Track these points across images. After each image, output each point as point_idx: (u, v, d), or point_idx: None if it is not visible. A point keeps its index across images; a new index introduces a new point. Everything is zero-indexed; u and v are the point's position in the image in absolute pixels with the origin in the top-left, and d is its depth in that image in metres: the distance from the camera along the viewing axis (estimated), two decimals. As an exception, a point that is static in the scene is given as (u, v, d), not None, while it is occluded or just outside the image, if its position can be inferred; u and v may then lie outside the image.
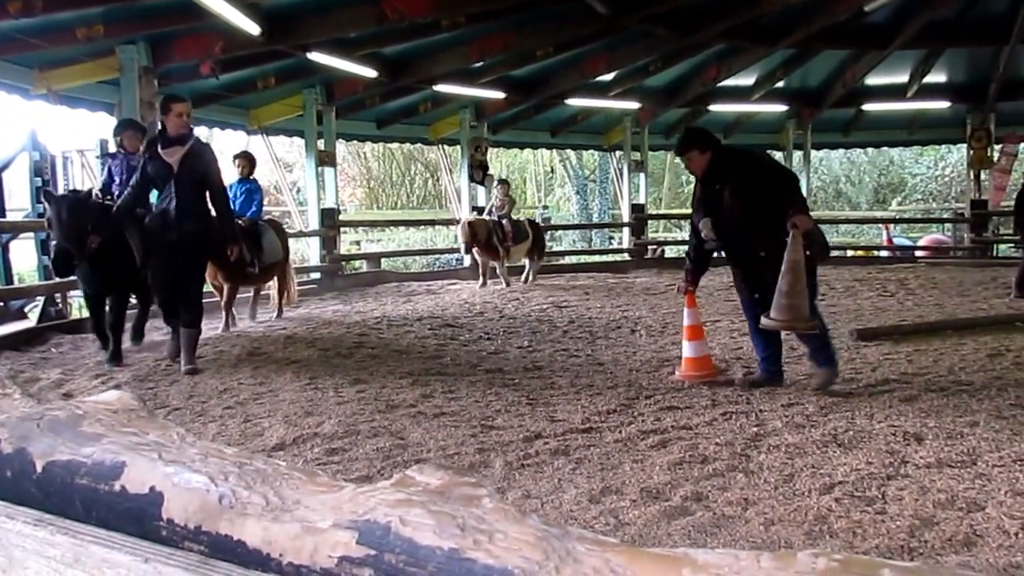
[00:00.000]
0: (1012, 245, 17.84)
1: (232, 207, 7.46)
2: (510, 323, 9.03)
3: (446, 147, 17.46)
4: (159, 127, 6.70)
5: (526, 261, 13.74)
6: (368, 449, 4.33)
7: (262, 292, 9.75)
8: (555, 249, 22.08)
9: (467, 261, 14.92)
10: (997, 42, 13.85)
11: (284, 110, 13.44)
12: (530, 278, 13.56)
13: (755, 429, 4.59)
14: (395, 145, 24.52)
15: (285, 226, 11.26)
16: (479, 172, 16.05)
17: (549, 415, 5.04)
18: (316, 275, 13.34)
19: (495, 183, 14.87)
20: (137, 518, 1.01)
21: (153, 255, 6.68)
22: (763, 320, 5.26)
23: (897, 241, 19.65)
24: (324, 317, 9.86)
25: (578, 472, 3.92)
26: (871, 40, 14.09)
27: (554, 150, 23.33)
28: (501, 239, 12.84)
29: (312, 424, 4.83)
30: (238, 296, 8.99)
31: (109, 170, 7.60)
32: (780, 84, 16.13)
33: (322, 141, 13.56)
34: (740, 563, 0.74)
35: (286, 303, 9.84)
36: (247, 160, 9.21)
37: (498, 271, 13.09)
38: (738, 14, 12.49)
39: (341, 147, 19.58)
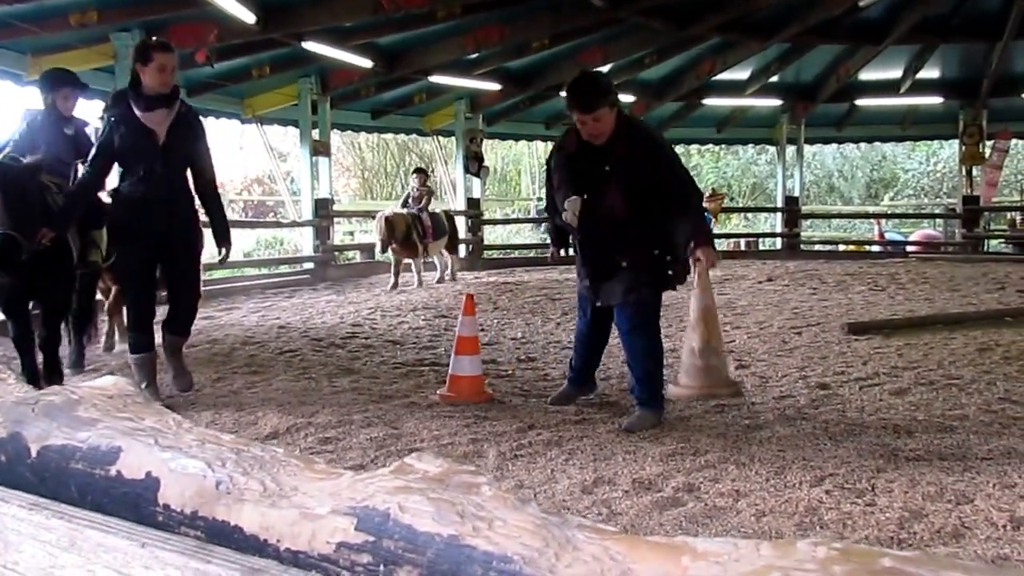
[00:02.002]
0: (1003, 241, 17.92)
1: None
2: (503, 314, 9.03)
3: (441, 138, 17.42)
4: (128, 83, 5.09)
5: (437, 258, 12.73)
6: (362, 439, 4.33)
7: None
8: (548, 242, 22.10)
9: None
10: (990, 38, 13.88)
11: (279, 99, 13.39)
12: (449, 276, 12.77)
13: (747, 421, 4.60)
14: (389, 136, 24.44)
15: (279, 216, 11.33)
16: (474, 164, 16.03)
17: (542, 406, 5.04)
18: (309, 265, 13.31)
19: (412, 172, 13.70)
20: (133, 503, 1.01)
21: (128, 253, 5.16)
22: (672, 388, 4.14)
23: (889, 236, 19.69)
24: (318, 307, 9.84)
25: (571, 462, 3.93)
26: (865, 35, 14.11)
27: (549, 142, 23.29)
28: (421, 235, 11.72)
29: (306, 413, 4.82)
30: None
31: (23, 136, 5.85)
32: (774, 79, 16.14)
33: (317, 131, 13.52)
34: (739, 551, 0.74)
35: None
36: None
37: (413, 268, 11.99)
38: (734, 8, 12.49)
39: (336, 137, 19.53)
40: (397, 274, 11.76)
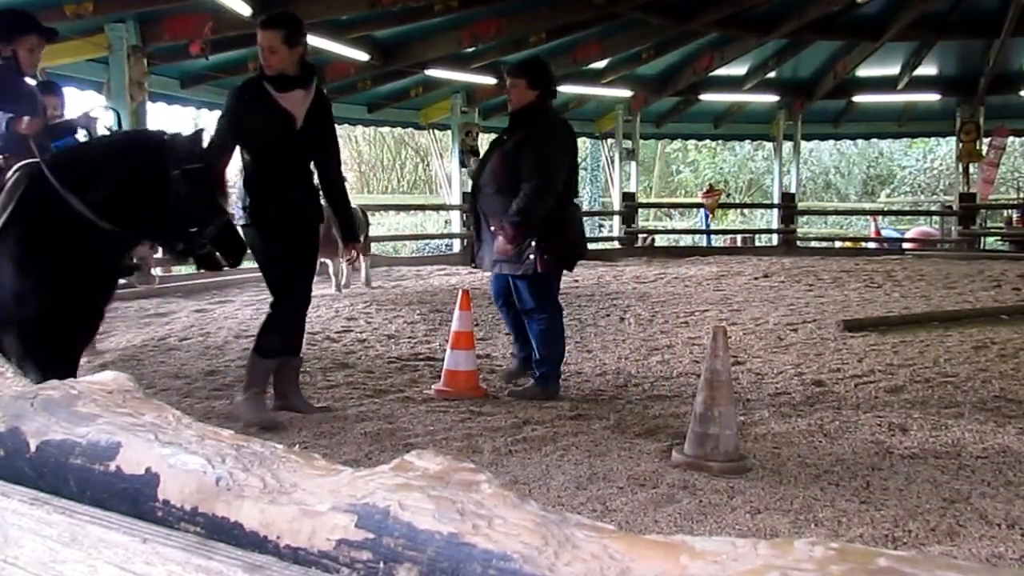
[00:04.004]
0: (999, 238, 17.96)
1: None
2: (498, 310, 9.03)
3: (437, 132, 17.40)
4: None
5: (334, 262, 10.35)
6: (356, 433, 4.33)
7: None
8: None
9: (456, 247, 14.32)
10: (988, 35, 13.91)
11: (274, 92, 13.34)
12: (364, 282, 11.06)
13: (742, 418, 4.61)
14: (386, 129, 24.42)
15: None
16: (470, 158, 16.00)
17: (538, 402, 5.05)
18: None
19: None
20: (132, 499, 1.01)
21: (281, 252, 4.56)
22: (675, 455, 3.88)
23: (885, 233, 19.72)
24: (312, 300, 9.80)
25: (566, 458, 3.93)
26: (863, 32, 14.12)
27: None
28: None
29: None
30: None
31: None
32: (772, 75, 16.14)
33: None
34: (738, 550, 0.74)
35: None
36: None
37: (330, 271, 10.31)
38: (732, 3, 12.49)
39: (331, 130, 19.48)
40: (337, 273, 10.38)
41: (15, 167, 3.81)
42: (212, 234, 3.88)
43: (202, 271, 4.25)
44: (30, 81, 4.43)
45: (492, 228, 5.00)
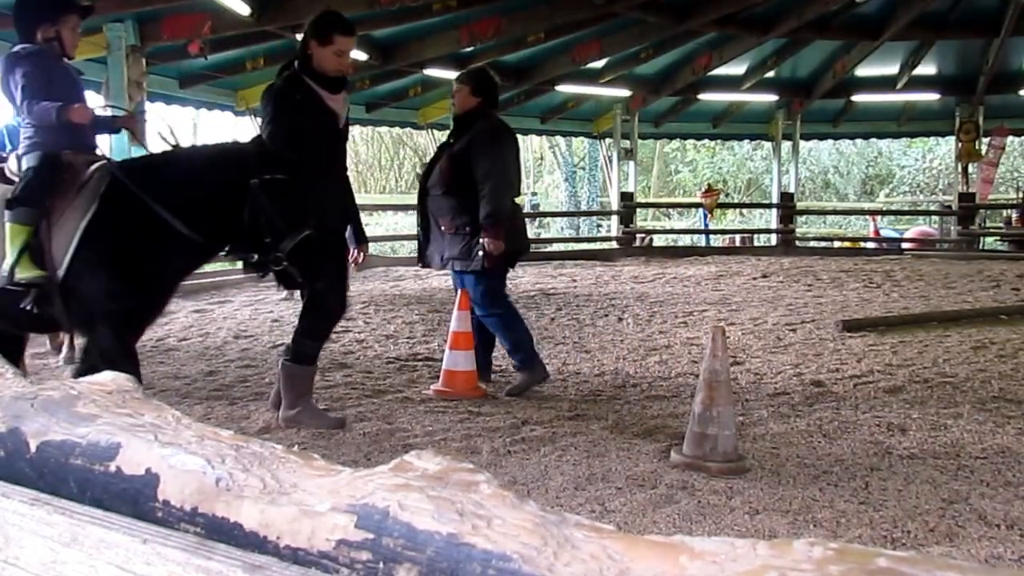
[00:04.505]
0: (998, 238, 17.96)
1: None
2: (498, 309, 9.03)
3: (435, 132, 17.39)
4: (298, 60, 4.52)
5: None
6: (355, 433, 4.34)
7: None
8: (543, 236, 22.11)
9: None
10: (987, 35, 13.91)
11: (273, 92, 13.34)
12: None
13: (741, 418, 4.61)
14: (384, 129, 24.42)
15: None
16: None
17: (536, 402, 5.05)
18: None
19: None
20: (132, 499, 1.01)
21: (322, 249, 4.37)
22: (673, 456, 3.87)
23: (884, 233, 19.72)
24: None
25: (564, 459, 3.94)
26: (862, 31, 14.11)
27: (544, 137, 23.30)
28: None
29: (299, 407, 4.82)
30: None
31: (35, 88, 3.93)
32: (771, 74, 16.13)
33: (311, 123, 13.48)
34: (736, 551, 0.75)
35: None
36: None
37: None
38: (731, 3, 12.48)
39: (330, 130, 19.47)
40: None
41: (95, 166, 3.86)
42: (288, 248, 3.83)
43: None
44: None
45: (443, 228, 5.23)
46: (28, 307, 3.69)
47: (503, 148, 5.30)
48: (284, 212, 3.79)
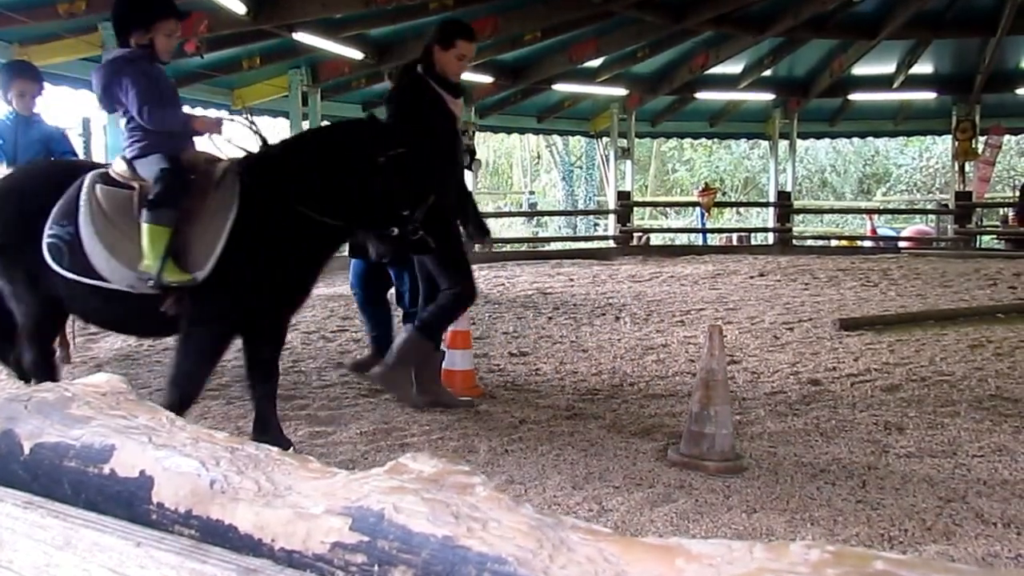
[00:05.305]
0: (995, 237, 17.98)
1: None
2: (495, 308, 9.03)
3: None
4: (421, 63, 4.74)
5: None
6: (352, 433, 4.33)
7: None
8: (540, 235, 22.11)
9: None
10: (984, 33, 13.92)
11: (269, 90, 13.34)
12: None
13: (738, 417, 4.61)
14: (381, 128, 24.37)
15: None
16: (466, 156, 15.93)
17: (534, 401, 5.05)
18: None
19: None
20: (127, 502, 1.01)
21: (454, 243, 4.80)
22: (671, 455, 3.88)
23: (881, 231, 19.75)
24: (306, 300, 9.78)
25: (562, 458, 3.93)
26: (859, 30, 14.12)
27: (540, 136, 23.29)
28: None
29: (295, 407, 4.82)
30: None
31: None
32: (767, 73, 16.13)
33: (307, 122, 13.47)
34: (733, 553, 0.74)
35: None
36: None
37: None
38: (728, 1, 12.48)
39: (327, 129, 19.44)
40: None
41: (221, 166, 3.89)
42: (421, 216, 3.94)
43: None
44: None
45: None
46: (167, 311, 3.70)
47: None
48: (413, 183, 3.92)
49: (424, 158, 4.04)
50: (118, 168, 3.94)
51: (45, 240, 3.73)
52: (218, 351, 4.00)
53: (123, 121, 4.01)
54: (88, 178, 3.83)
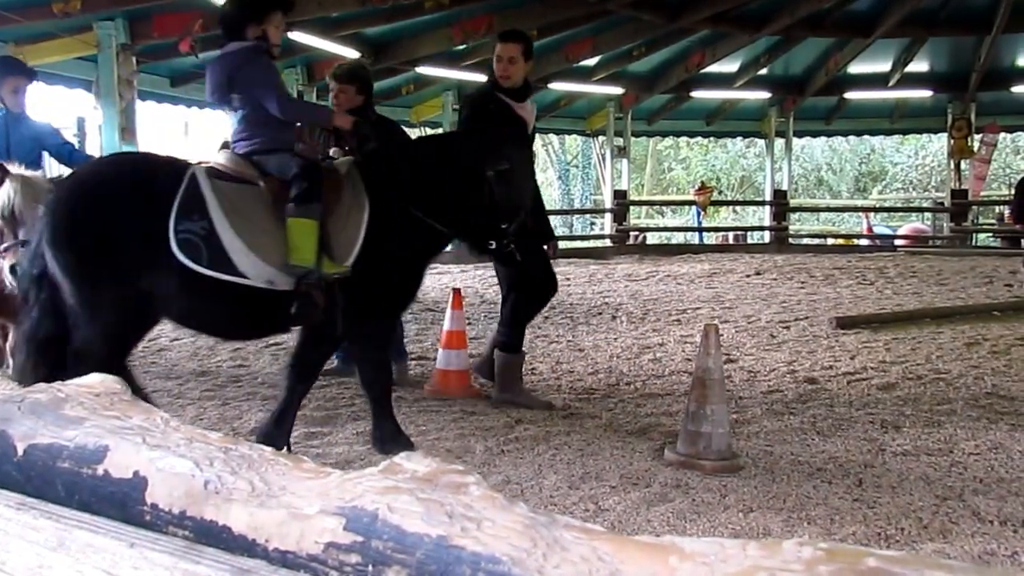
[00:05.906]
0: (991, 235, 18.02)
1: None
2: (491, 308, 9.03)
3: (428, 130, 17.35)
4: (489, 76, 4.92)
5: None
6: (348, 433, 4.33)
7: None
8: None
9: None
10: (979, 31, 13.95)
11: (265, 90, 13.31)
12: None
13: (734, 416, 4.61)
14: (377, 127, 24.37)
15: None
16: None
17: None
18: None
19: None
20: (120, 502, 1.01)
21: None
22: (667, 454, 3.90)
23: (877, 230, 19.77)
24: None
25: (558, 458, 3.93)
26: (855, 28, 14.15)
27: (536, 134, 23.28)
28: None
29: (293, 407, 4.81)
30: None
31: None
32: (763, 71, 16.15)
33: (304, 122, 13.47)
34: (726, 551, 0.74)
35: None
36: None
37: None
38: (724, 0, 12.48)
39: (323, 129, 19.41)
40: None
41: (340, 163, 3.97)
42: (516, 230, 4.01)
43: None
44: None
45: None
46: (305, 306, 3.63)
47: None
48: (513, 198, 4.00)
49: (523, 174, 4.16)
50: (228, 163, 3.80)
51: (175, 237, 3.48)
52: (338, 344, 4.17)
53: (237, 114, 3.92)
54: (199, 172, 3.63)
